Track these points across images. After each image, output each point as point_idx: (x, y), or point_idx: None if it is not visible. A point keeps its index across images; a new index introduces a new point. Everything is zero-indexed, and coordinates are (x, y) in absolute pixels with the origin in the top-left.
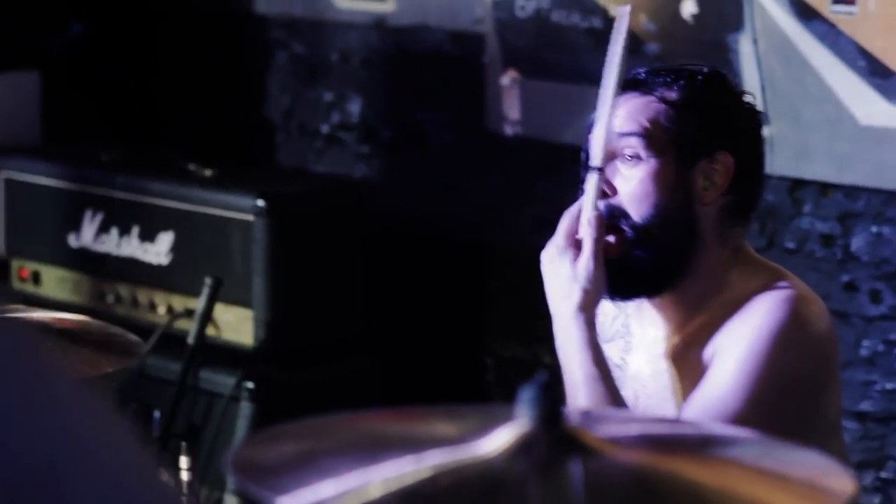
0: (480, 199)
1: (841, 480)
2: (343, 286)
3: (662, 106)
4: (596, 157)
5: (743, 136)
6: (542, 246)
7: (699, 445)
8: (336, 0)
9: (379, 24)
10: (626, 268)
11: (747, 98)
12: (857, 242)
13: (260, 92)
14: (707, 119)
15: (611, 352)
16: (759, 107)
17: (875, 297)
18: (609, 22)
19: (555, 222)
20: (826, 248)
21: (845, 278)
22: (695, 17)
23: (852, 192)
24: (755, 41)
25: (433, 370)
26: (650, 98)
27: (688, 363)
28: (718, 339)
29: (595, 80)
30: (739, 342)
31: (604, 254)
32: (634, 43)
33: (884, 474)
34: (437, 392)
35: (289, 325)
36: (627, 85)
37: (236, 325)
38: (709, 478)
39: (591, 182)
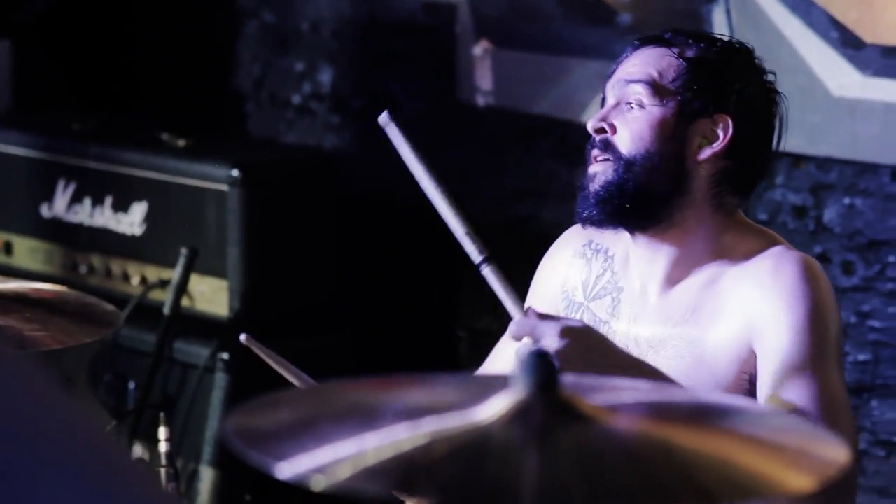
0: (453, 169)
1: (834, 449)
2: (317, 257)
3: (676, 59)
4: (474, 253)
5: (749, 107)
6: (515, 216)
7: (693, 413)
8: None
9: None
10: (607, 193)
11: (768, 77)
12: (830, 214)
13: (230, 61)
14: (715, 80)
15: (597, 309)
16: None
17: (847, 269)
18: None
19: (527, 192)
20: (798, 220)
21: (818, 249)
22: None
23: (824, 163)
24: (728, 11)
25: (406, 341)
26: (665, 50)
27: (674, 315)
28: (738, 307)
29: (567, 50)
30: (783, 311)
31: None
32: (607, 13)
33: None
34: (410, 363)
35: (263, 295)
36: (650, 39)
37: (211, 296)
38: (703, 446)
39: (490, 276)
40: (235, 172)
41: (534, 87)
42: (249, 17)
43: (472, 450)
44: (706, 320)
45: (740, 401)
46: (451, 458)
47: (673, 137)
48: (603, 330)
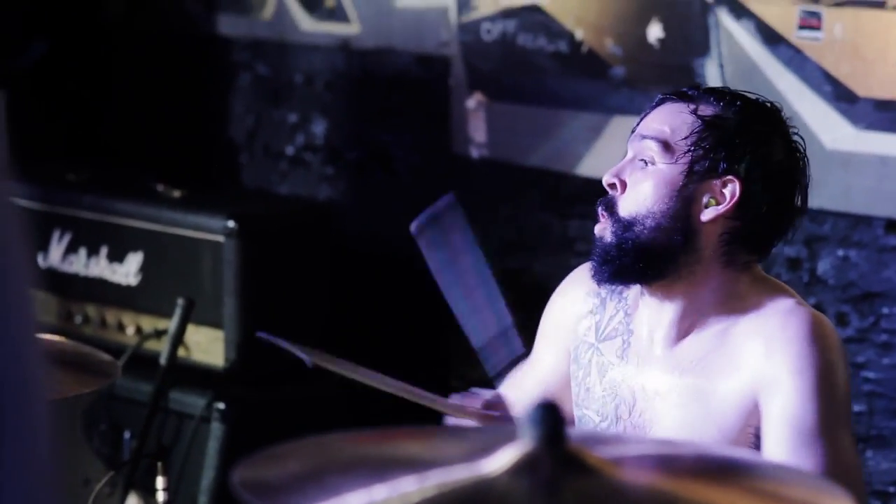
0: None
1: (838, 501)
2: (311, 307)
3: (692, 117)
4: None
5: (763, 169)
6: (507, 268)
7: (700, 467)
8: (300, 22)
9: (344, 47)
10: (608, 255)
11: (793, 137)
12: (824, 266)
13: (224, 113)
14: (728, 142)
15: (606, 350)
16: (804, 149)
17: (841, 320)
18: (576, 46)
19: (519, 245)
20: (792, 272)
21: (812, 301)
22: (661, 41)
23: (818, 215)
24: (721, 66)
25: None
26: (683, 107)
27: (680, 365)
28: (747, 361)
29: (560, 102)
30: (791, 374)
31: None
32: (601, 66)
33: None
34: (405, 413)
35: (259, 345)
36: (674, 95)
37: (206, 346)
38: (710, 499)
39: None
40: (231, 223)
41: (527, 140)
42: (243, 70)
43: (478, 502)
44: (714, 372)
45: (746, 454)
46: None
47: (680, 196)
48: (610, 374)
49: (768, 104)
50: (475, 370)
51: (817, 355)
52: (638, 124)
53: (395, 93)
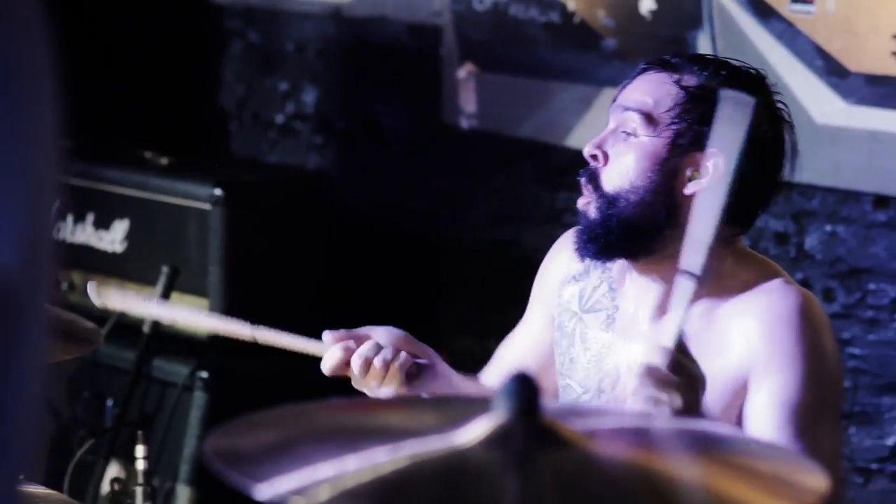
0: (435, 191)
1: (813, 477)
2: (298, 276)
3: (675, 88)
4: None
5: (748, 140)
6: (497, 239)
7: (673, 440)
8: None
9: (335, 15)
10: (593, 232)
11: (779, 107)
12: (811, 241)
13: (214, 81)
14: (712, 112)
15: (590, 322)
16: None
17: (828, 296)
18: (567, 17)
19: (509, 216)
20: (780, 246)
21: (799, 276)
22: (653, 13)
23: (807, 190)
24: (713, 39)
25: None
26: (666, 77)
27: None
28: (737, 341)
29: (552, 74)
30: (779, 357)
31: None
32: (592, 38)
33: None
34: None
35: (243, 314)
36: (656, 63)
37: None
38: (682, 473)
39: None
40: (218, 191)
41: (518, 111)
42: (234, 37)
43: (452, 473)
44: (701, 351)
45: (722, 428)
46: (431, 481)
47: (662, 170)
48: (594, 347)
49: (753, 72)
50: (462, 340)
51: (807, 339)
52: (619, 93)
53: (386, 62)
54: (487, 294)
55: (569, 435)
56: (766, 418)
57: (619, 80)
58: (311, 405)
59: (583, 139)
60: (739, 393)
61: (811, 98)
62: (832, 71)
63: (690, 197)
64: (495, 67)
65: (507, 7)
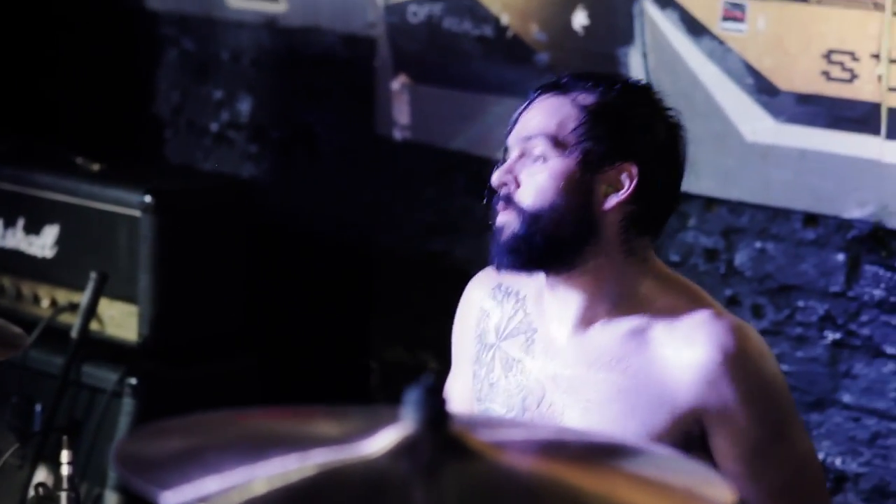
0: (368, 202)
1: (719, 490)
2: (228, 285)
3: (574, 110)
4: None
5: (653, 149)
6: (429, 251)
7: (583, 452)
8: None
9: (270, 24)
10: (516, 244)
11: (670, 113)
12: (741, 257)
13: (149, 88)
14: (616, 128)
15: (509, 347)
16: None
17: (757, 313)
18: (501, 31)
19: (441, 228)
20: (710, 263)
21: (728, 293)
22: (585, 28)
23: (737, 207)
24: (645, 55)
25: (317, 371)
26: (564, 99)
27: (594, 359)
28: (678, 375)
29: (485, 87)
30: (737, 399)
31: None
32: (525, 52)
33: None
34: (320, 393)
35: (173, 321)
36: (548, 87)
37: (120, 321)
38: (592, 484)
39: None
40: (148, 198)
41: (450, 123)
42: (170, 45)
43: (359, 483)
44: (636, 373)
45: (633, 440)
46: (339, 491)
47: (578, 189)
48: (515, 368)
49: (642, 83)
50: (393, 352)
51: (757, 374)
52: (517, 122)
53: (320, 72)
54: (419, 305)
55: (476, 446)
56: (740, 457)
57: None
58: (222, 413)
59: None
60: (687, 422)
61: (741, 116)
62: (762, 89)
63: (609, 211)
64: (429, 79)
65: (441, 20)
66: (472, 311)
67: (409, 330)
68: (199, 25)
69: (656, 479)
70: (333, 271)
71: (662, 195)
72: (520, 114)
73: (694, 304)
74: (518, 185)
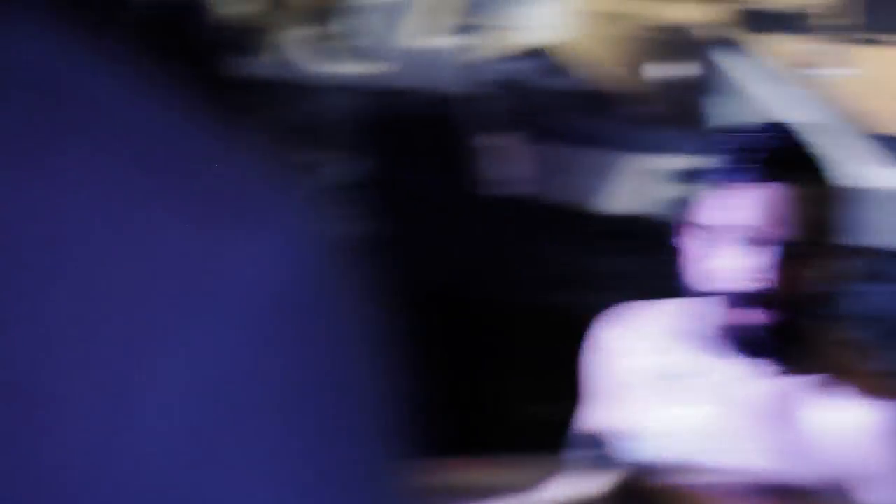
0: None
1: None
2: None
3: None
4: None
5: None
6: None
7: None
8: None
9: (365, 85)
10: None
11: None
12: None
13: None
14: None
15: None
16: None
17: None
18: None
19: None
20: None
21: None
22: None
23: None
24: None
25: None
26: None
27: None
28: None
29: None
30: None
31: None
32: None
33: None
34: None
35: None
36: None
37: None
38: None
39: None
40: None
41: (562, 177)
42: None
43: None
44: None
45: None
46: None
47: None
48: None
49: None
50: (529, 405)
51: None
52: None
53: (426, 133)
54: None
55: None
56: None
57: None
58: None
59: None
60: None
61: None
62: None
63: None
64: (539, 136)
65: (538, 77)
66: (622, 340)
67: (532, 382)
68: (296, 90)
69: None
70: (458, 326)
71: None
72: None
73: None
74: None
